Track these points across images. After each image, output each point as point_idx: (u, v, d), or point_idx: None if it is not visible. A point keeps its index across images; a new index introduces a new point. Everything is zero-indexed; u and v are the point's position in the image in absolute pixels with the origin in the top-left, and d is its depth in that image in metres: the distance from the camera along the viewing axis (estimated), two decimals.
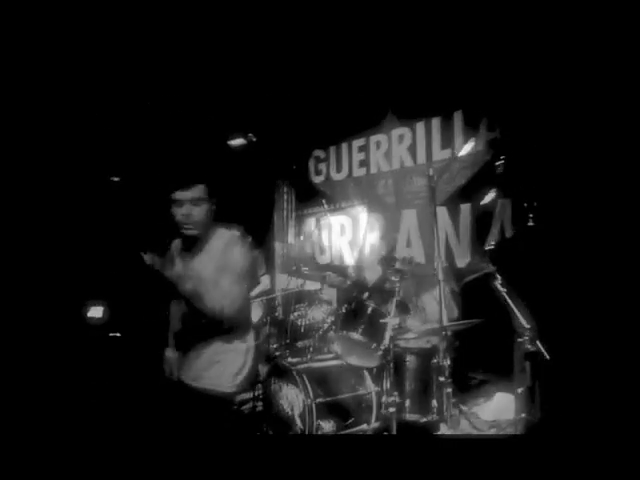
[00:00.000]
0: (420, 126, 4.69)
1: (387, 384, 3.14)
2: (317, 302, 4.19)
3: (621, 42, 3.11)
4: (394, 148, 4.93)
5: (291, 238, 5.97)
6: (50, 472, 1.76)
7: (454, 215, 4.35)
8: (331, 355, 3.68)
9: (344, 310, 3.80)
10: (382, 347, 3.17)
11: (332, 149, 5.59)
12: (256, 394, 3.70)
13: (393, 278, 3.48)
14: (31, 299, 4.28)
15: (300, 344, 3.94)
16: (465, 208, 4.28)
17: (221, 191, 2.69)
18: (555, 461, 1.66)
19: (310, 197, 5.74)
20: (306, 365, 3.47)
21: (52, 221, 4.54)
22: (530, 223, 3.49)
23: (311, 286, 4.26)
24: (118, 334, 4.47)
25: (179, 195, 2.54)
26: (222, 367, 2.59)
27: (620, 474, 1.59)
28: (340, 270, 4.75)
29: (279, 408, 3.39)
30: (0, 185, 4.30)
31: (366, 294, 3.72)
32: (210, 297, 2.47)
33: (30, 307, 4.25)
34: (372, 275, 4.18)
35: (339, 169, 5.52)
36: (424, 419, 3.17)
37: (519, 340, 2.64)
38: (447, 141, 4.45)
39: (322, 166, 5.71)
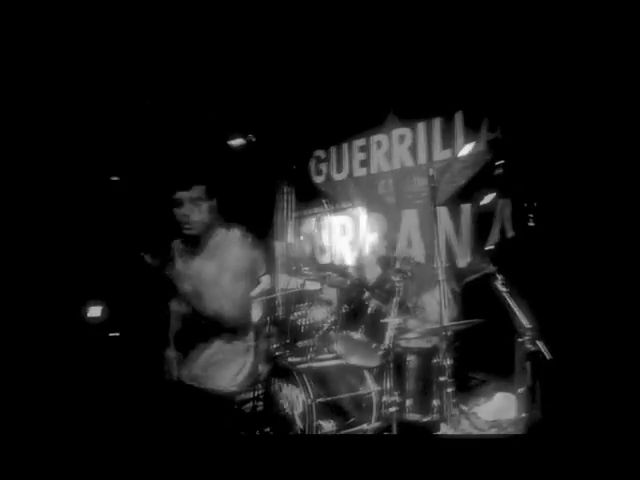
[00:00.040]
0: (421, 126, 4.69)
1: (388, 384, 3.14)
2: (318, 302, 4.19)
3: (621, 43, 3.11)
4: (395, 148, 4.93)
5: (291, 238, 5.97)
6: (50, 472, 1.76)
7: (455, 215, 4.35)
8: (332, 355, 3.68)
9: (345, 310, 3.81)
10: (383, 347, 3.18)
11: (333, 149, 5.58)
12: (256, 394, 3.70)
13: (394, 278, 3.48)
14: (31, 299, 4.28)
15: (301, 344, 3.94)
16: (466, 208, 4.28)
17: (222, 191, 2.69)
18: (556, 461, 1.66)
19: (311, 197, 5.74)
20: (307, 365, 3.47)
21: (52, 221, 4.54)
22: (531, 223, 3.49)
23: (311, 286, 4.25)
24: (117, 334, 4.47)
25: (179, 195, 2.54)
26: (222, 367, 2.59)
27: (620, 474, 1.59)
28: (341, 270, 4.74)
29: (279, 408, 3.39)
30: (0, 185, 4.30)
31: (367, 294, 3.72)
32: (210, 297, 2.48)
33: (30, 307, 4.25)
34: (372, 275, 4.18)
35: (340, 169, 5.52)
36: (425, 419, 3.17)
37: (520, 340, 2.63)
38: (448, 141, 4.46)
39: (323, 166, 5.70)
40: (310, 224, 5.80)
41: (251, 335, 2.73)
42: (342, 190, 5.49)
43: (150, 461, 1.77)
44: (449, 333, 3.14)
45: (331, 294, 4.69)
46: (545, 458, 1.67)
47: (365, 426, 3.31)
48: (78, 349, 4.25)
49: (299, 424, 3.19)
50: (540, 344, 2.50)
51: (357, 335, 3.52)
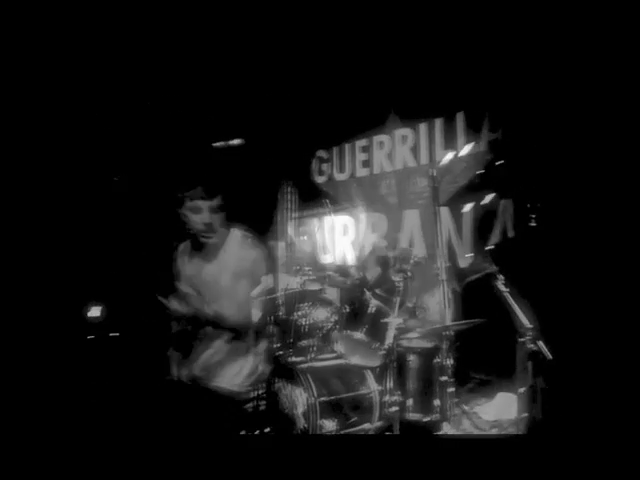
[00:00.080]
0: (423, 127, 4.70)
1: (389, 383, 3.14)
2: (319, 302, 4.19)
3: (621, 44, 3.11)
4: (397, 149, 4.93)
5: (294, 238, 5.96)
6: (50, 472, 1.76)
7: (456, 215, 4.36)
8: (334, 354, 3.68)
9: (347, 310, 3.81)
10: (385, 347, 3.18)
11: (335, 149, 5.59)
12: (258, 393, 3.70)
13: (394, 278, 3.48)
14: (31, 299, 4.29)
15: (303, 343, 3.94)
16: (467, 208, 4.28)
17: (234, 198, 2.70)
18: (557, 461, 1.66)
19: (313, 197, 5.74)
20: (308, 365, 3.47)
21: (52, 221, 4.55)
22: (532, 223, 3.49)
23: (313, 286, 4.25)
24: (117, 334, 4.47)
25: (199, 204, 2.54)
26: (222, 367, 2.60)
27: (621, 474, 1.59)
28: (342, 270, 4.74)
29: (282, 407, 3.39)
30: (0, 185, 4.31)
31: (369, 294, 3.72)
32: (211, 297, 2.48)
33: (30, 307, 4.26)
34: (374, 275, 4.19)
35: (342, 169, 5.52)
36: (426, 419, 3.17)
37: (521, 340, 2.64)
38: (450, 142, 4.46)
39: (325, 166, 5.71)
40: (312, 224, 5.80)
41: (252, 335, 2.74)
42: (344, 190, 5.50)
43: (151, 461, 1.78)
44: (450, 333, 3.14)
45: (332, 294, 4.70)
46: (546, 458, 1.67)
47: (366, 426, 3.32)
48: (78, 349, 4.25)
49: (301, 423, 3.19)
50: (541, 344, 2.50)
51: (358, 335, 3.52)
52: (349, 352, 3.54)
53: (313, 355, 3.63)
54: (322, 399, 3.17)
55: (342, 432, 3.18)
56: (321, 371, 3.42)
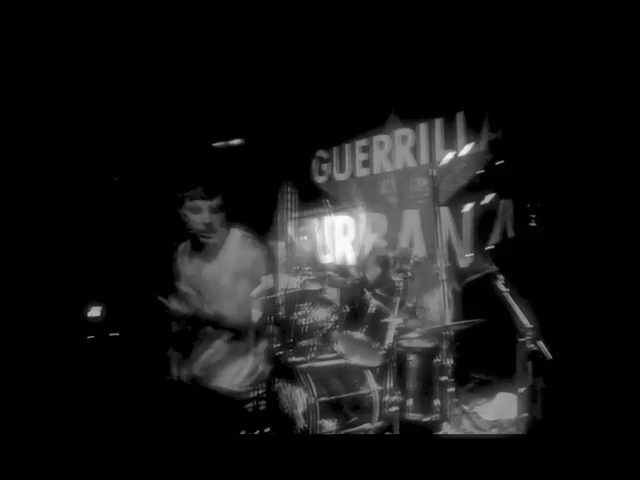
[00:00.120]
0: (423, 127, 4.70)
1: (389, 383, 3.14)
2: (319, 302, 4.19)
3: (622, 44, 3.11)
4: (397, 149, 4.93)
5: (294, 238, 5.96)
6: (50, 472, 1.76)
7: (456, 215, 4.36)
8: (334, 354, 3.68)
9: (347, 310, 3.81)
10: (385, 347, 3.18)
11: (335, 149, 5.59)
12: (259, 393, 3.70)
13: (394, 278, 3.48)
14: (31, 299, 4.29)
15: (303, 343, 3.94)
16: (467, 208, 4.28)
17: (234, 197, 2.71)
18: (557, 461, 1.66)
19: (313, 197, 5.74)
20: (309, 364, 3.47)
21: (52, 221, 4.55)
22: (532, 223, 3.49)
23: (313, 286, 4.25)
24: (117, 334, 4.47)
25: (199, 204, 2.54)
26: (222, 367, 2.60)
27: (621, 474, 1.59)
28: (342, 270, 4.74)
29: (282, 407, 3.39)
30: (0, 185, 4.31)
31: (369, 294, 3.72)
32: (211, 297, 2.48)
33: (30, 307, 4.26)
34: (374, 275, 4.19)
35: (342, 169, 5.52)
36: (426, 418, 3.17)
37: (521, 340, 2.64)
38: (450, 142, 4.46)
39: (325, 166, 5.71)
40: (312, 224, 5.80)
41: (252, 335, 2.74)
42: (344, 190, 5.50)
43: (151, 461, 1.78)
44: (450, 333, 3.14)
45: (332, 294, 4.69)
46: (546, 458, 1.68)
47: (366, 426, 3.32)
48: (78, 349, 4.25)
49: (301, 423, 3.19)
50: (541, 344, 2.50)
51: (358, 335, 3.52)
52: (349, 352, 3.54)
53: (313, 355, 3.63)
54: (322, 399, 3.17)
55: (342, 432, 3.18)
56: (321, 371, 3.42)
